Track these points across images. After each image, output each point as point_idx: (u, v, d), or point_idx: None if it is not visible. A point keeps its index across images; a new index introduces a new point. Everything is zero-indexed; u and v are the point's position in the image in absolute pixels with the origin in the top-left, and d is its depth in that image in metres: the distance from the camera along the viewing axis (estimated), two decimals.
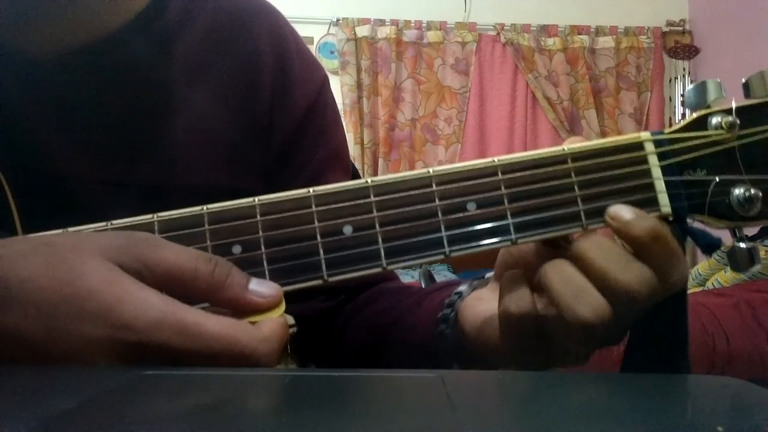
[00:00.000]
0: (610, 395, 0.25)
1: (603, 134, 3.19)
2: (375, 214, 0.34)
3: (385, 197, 0.34)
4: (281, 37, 0.56)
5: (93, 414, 0.20)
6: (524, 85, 3.26)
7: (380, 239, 0.34)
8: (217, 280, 0.30)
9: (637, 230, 0.33)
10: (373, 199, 0.34)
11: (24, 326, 0.27)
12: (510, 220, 0.35)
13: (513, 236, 0.35)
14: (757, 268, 0.32)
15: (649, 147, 0.36)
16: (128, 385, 0.24)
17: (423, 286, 1.01)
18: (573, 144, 0.36)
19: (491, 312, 0.39)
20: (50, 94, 0.46)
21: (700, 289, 2.03)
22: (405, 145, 3.20)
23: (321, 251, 0.34)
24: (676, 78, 3.29)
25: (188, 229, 0.33)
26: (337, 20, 3.14)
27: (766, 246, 1.84)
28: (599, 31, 3.29)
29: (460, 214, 0.35)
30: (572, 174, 0.35)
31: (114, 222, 0.33)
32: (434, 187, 0.35)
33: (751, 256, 0.34)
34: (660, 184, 0.35)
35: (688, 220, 0.35)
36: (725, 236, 0.36)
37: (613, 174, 0.35)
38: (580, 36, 3.27)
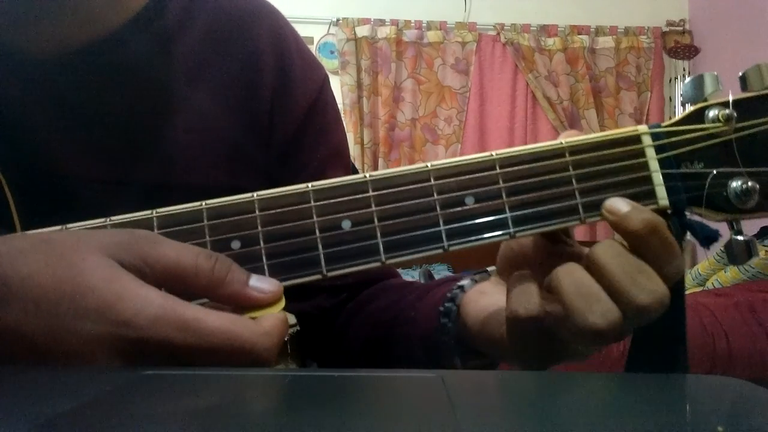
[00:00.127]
0: (610, 395, 0.25)
1: None
2: (373, 208, 0.34)
3: (384, 192, 0.35)
4: (282, 37, 0.56)
5: (93, 414, 0.20)
6: (524, 85, 3.26)
7: (379, 234, 0.34)
8: (217, 276, 0.31)
9: (633, 223, 0.33)
10: (371, 193, 0.34)
11: (24, 324, 0.27)
12: (508, 214, 0.35)
13: (511, 230, 0.35)
14: (754, 260, 0.32)
15: (647, 140, 0.36)
16: (128, 385, 0.24)
17: None
18: (569, 138, 0.36)
19: (494, 306, 0.39)
20: (50, 93, 0.46)
21: (700, 289, 2.02)
22: (405, 144, 3.20)
23: (320, 246, 0.34)
24: (676, 78, 3.29)
25: (187, 224, 0.33)
26: (337, 20, 3.14)
27: (766, 246, 1.84)
28: (599, 31, 3.29)
29: (459, 208, 0.35)
30: (570, 167, 0.35)
31: (113, 218, 0.33)
32: (432, 182, 0.35)
33: (749, 249, 0.34)
34: (657, 177, 0.35)
35: (686, 213, 0.35)
36: (723, 231, 0.36)
37: (611, 167, 0.35)
38: (580, 36, 3.27)
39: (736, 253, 0.35)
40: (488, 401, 0.24)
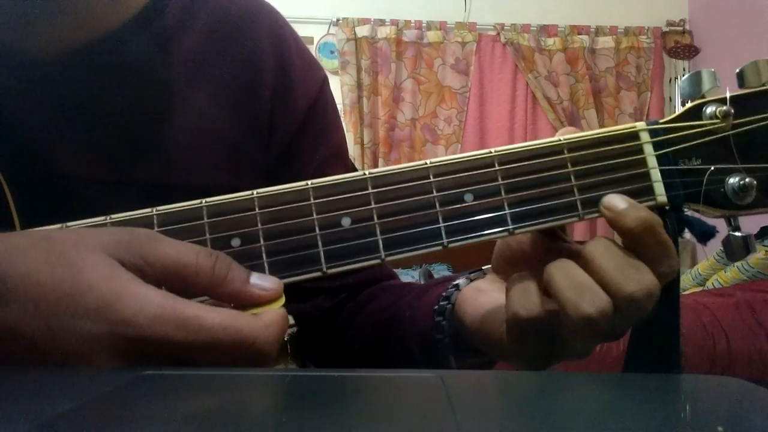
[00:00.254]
0: (610, 395, 0.25)
1: None
2: (373, 205, 0.34)
3: (383, 189, 0.35)
4: (282, 38, 0.56)
5: (93, 414, 0.20)
6: (524, 85, 3.26)
7: (378, 231, 0.34)
8: (218, 275, 0.31)
9: (629, 220, 0.33)
10: (370, 190, 0.35)
11: (23, 323, 0.27)
12: (507, 211, 0.35)
13: (510, 226, 0.35)
14: (752, 256, 0.32)
15: (645, 137, 0.36)
16: (128, 385, 0.24)
17: None
18: (567, 135, 0.36)
19: (492, 304, 0.40)
20: (51, 93, 0.46)
21: (700, 289, 2.02)
22: (405, 144, 3.20)
23: (320, 243, 0.34)
24: (676, 78, 3.29)
25: (187, 222, 0.33)
26: (337, 20, 3.15)
27: (766, 246, 1.83)
28: (599, 31, 3.29)
29: (458, 205, 0.35)
30: (568, 164, 0.35)
31: (113, 216, 0.33)
32: (431, 179, 0.35)
33: (747, 245, 0.34)
34: (655, 174, 0.35)
35: (684, 209, 0.36)
36: (722, 228, 0.36)
37: (609, 164, 0.35)
38: (580, 36, 3.27)
39: (734, 249, 0.35)
40: (488, 401, 0.24)
